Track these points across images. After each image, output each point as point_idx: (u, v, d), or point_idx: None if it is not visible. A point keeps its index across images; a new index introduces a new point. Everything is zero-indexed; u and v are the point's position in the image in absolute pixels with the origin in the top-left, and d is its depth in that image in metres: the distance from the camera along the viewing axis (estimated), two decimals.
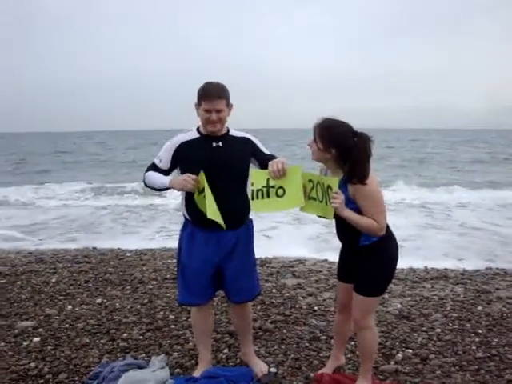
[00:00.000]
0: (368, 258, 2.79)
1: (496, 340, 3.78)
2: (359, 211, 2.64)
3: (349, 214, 2.61)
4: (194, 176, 2.80)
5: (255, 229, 3.19)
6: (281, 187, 2.79)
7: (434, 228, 9.08)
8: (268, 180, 2.79)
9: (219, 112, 2.86)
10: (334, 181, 2.62)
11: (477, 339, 3.80)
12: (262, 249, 7.16)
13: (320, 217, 2.84)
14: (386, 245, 2.81)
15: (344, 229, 2.80)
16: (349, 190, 2.64)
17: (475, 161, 27.09)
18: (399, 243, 2.86)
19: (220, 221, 2.81)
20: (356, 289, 2.87)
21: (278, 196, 2.80)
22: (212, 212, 2.76)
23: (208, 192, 2.75)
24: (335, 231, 2.97)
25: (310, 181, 2.78)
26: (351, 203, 2.64)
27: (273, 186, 2.80)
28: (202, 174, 2.79)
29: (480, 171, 21.51)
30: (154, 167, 3.03)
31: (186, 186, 2.79)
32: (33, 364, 3.44)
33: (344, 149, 2.61)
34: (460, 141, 55.40)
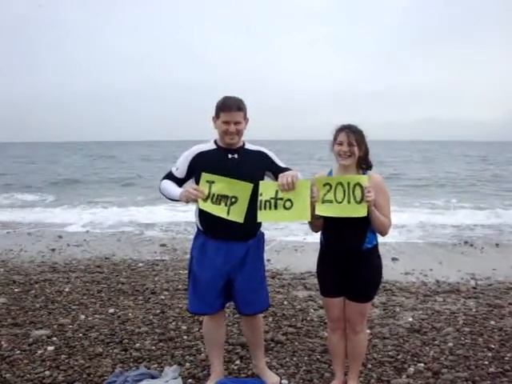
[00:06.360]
0: (366, 262, 2.89)
1: (509, 355, 3.75)
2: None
3: (374, 208, 2.77)
4: (195, 186, 2.90)
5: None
6: (289, 200, 2.84)
7: None
8: (277, 192, 2.85)
9: (237, 124, 2.94)
10: (363, 178, 2.73)
11: (489, 354, 3.77)
12: (274, 261, 7.21)
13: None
14: (378, 248, 2.96)
15: (349, 233, 2.86)
16: None
17: None
18: None
19: (236, 217, 2.90)
20: (355, 298, 2.94)
21: (285, 208, 2.85)
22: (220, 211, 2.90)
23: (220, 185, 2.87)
24: (325, 240, 3.01)
25: (326, 184, 2.81)
26: None
27: (281, 198, 2.85)
28: (204, 174, 2.87)
29: None
30: (170, 175, 3.11)
31: (188, 197, 2.87)
32: (47, 372, 3.48)
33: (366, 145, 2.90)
34: None
